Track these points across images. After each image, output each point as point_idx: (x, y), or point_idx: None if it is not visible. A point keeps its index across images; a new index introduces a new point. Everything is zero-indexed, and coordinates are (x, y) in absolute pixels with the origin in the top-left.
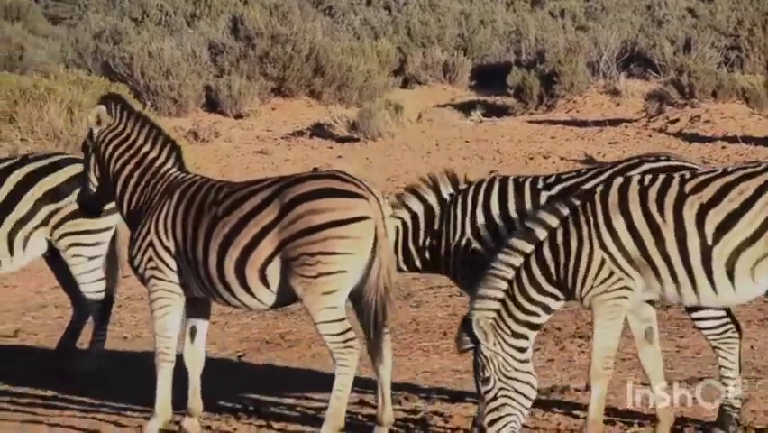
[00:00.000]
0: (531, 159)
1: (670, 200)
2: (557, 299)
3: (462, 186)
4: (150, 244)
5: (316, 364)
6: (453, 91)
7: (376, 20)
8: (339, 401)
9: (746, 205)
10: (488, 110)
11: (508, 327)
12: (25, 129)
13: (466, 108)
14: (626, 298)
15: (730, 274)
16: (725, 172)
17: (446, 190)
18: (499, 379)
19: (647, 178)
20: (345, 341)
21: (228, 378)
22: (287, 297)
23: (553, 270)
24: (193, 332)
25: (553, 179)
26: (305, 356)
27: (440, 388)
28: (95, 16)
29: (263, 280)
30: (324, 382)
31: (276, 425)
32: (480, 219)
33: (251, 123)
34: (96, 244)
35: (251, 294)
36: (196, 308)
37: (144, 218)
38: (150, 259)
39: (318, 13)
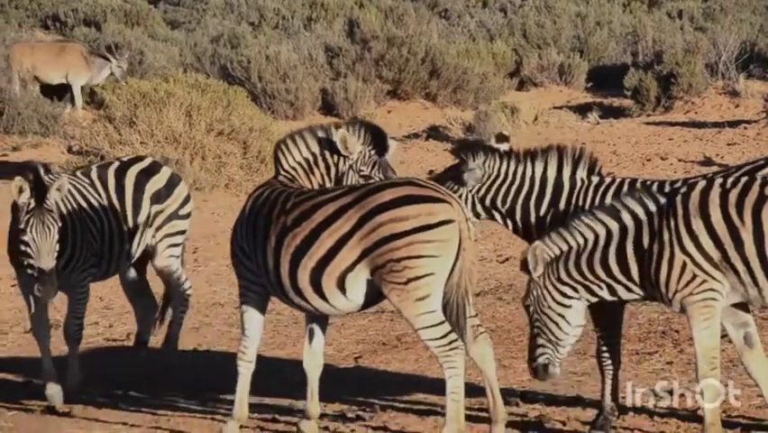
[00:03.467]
0: (648, 160)
1: (749, 202)
2: (622, 292)
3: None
4: (239, 247)
5: (433, 367)
6: (569, 93)
7: (491, 22)
8: (456, 404)
9: None
10: (604, 112)
11: (558, 272)
12: (145, 132)
13: (582, 110)
14: (714, 299)
15: None
16: None
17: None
18: (535, 310)
19: (730, 181)
20: (449, 343)
21: (345, 380)
22: (364, 302)
23: (632, 266)
24: (312, 335)
25: (680, 183)
26: (421, 358)
27: (556, 391)
28: (213, 20)
29: (341, 287)
30: (441, 384)
31: (393, 427)
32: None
33: None
34: (181, 244)
35: (326, 300)
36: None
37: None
38: (239, 263)
39: (433, 16)
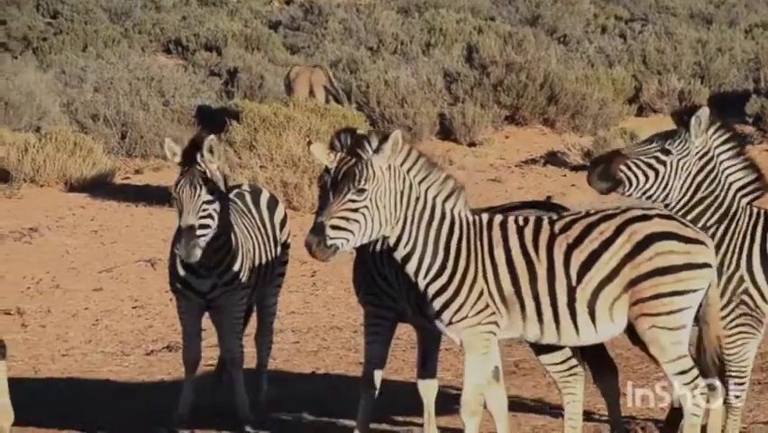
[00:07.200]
0: None
1: (543, 240)
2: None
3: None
4: (378, 273)
5: (551, 393)
6: None
7: (611, 48)
8: (574, 430)
9: (605, 244)
10: None
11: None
12: (264, 156)
13: None
14: (494, 333)
15: (591, 314)
16: (587, 214)
17: None
18: (371, 199)
19: (522, 219)
20: (568, 369)
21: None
22: None
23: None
24: (425, 358)
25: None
26: (539, 384)
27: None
28: (331, 45)
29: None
30: (559, 410)
31: None
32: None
33: (484, 150)
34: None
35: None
36: (427, 334)
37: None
38: (368, 286)
39: (552, 42)
